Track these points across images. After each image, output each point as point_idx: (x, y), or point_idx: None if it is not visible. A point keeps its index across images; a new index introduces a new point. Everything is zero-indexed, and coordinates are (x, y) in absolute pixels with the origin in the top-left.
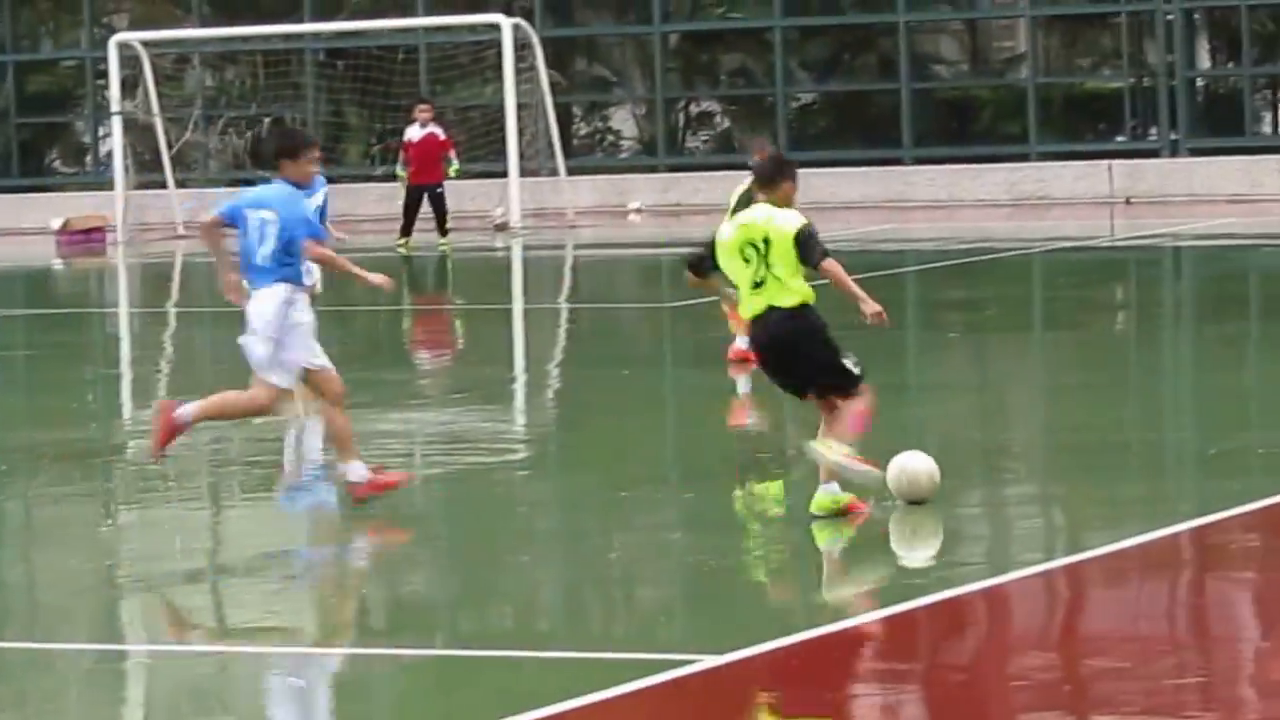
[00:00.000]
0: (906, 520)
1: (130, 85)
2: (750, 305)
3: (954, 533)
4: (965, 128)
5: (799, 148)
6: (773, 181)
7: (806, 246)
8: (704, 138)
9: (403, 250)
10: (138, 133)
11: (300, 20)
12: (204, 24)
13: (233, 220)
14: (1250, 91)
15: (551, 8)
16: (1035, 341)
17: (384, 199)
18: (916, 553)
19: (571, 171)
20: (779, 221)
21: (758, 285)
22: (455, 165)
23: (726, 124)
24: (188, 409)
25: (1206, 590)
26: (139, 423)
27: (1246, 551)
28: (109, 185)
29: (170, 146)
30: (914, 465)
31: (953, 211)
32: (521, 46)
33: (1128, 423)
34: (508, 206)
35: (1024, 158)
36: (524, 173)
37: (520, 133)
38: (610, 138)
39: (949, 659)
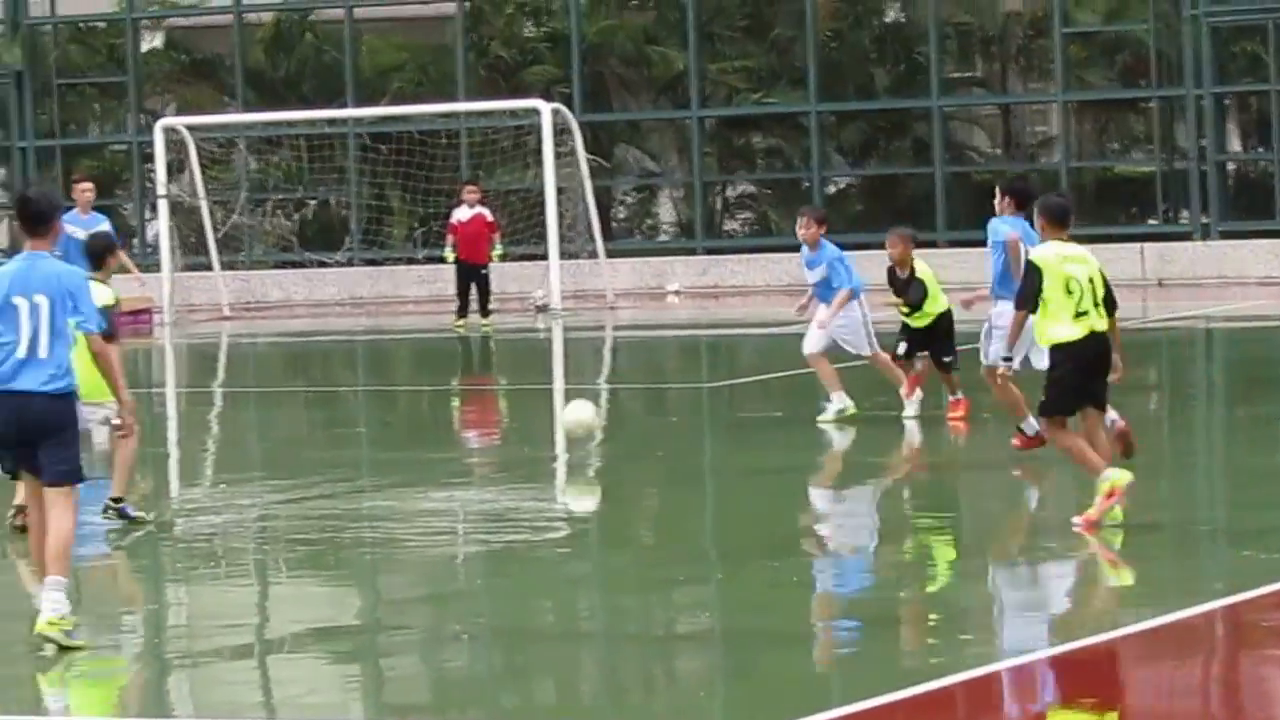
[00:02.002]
0: (930, 597)
1: (176, 169)
2: (1076, 328)
3: (968, 610)
4: None
5: (835, 231)
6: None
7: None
8: (741, 220)
9: (461, 330)
10: (184, 216)
11: (343, 105)
12: (248, 109)
13: None
14: None
15: (590, 93)
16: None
17: (425, 281)
18: (942, 629)
19: (611, 254)
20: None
21: (1081, 314)
22: (499, 249)
23: (763, 207)
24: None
25: (1242, 668)
26: (186, 501)
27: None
28: (156, 267)
29: (216, 229)
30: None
31: None
32: (561, 131)
33: (1162, 503)
34: (549, 288)
35: None
36: (564, 255)
37: (560, 216)
38: (649, 220)
39: None
